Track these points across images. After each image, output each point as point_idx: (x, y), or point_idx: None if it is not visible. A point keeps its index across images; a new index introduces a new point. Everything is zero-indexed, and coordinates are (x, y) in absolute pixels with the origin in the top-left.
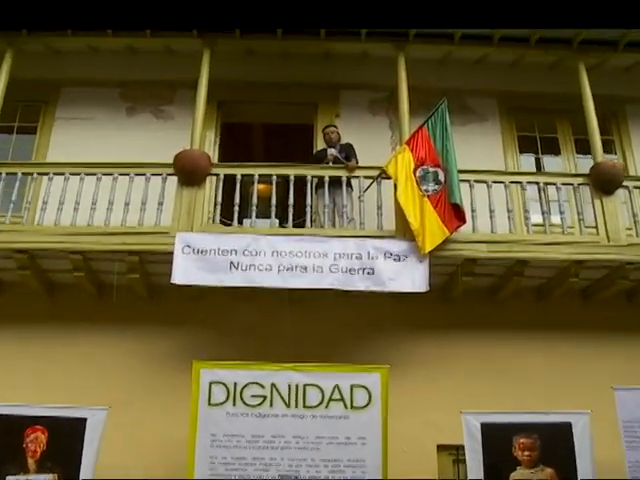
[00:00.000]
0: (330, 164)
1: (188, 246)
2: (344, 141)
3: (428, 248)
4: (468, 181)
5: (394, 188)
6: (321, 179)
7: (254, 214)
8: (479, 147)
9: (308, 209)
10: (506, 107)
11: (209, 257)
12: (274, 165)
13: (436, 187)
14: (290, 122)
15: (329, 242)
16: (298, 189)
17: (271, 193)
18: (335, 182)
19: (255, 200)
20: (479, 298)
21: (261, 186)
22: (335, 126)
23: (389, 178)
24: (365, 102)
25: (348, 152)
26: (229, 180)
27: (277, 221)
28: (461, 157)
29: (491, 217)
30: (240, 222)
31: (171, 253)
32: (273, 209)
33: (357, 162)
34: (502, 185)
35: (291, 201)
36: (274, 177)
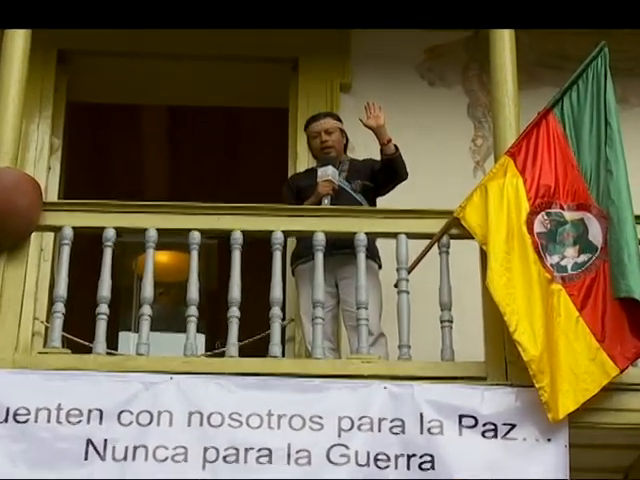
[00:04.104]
0: (326, 204)
1: None
2: (361, 153)
3: (567, 408)
4: None
5: (480, 261)
6: (305, 241)
7: (146, 324)
8: None
9: (275, 311)
10: None
11: (35, 430)
12: (194, 207)
13: (584, 260)
14: (234, 104)
15: (326, 391)
16: (251, 264)
17: (188, 274)
18: (339, 247)
19: (149, 291)
20: None
21: (163, 256)
22: (336, 117)
23: (468, 237)
24: (411, 55)
25: (371, 175)
26: (86, 242)
27: (202, 340)
28: None
29: None
30: (112, 344)
31: None
32: (192, 312)
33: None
34: None
35: (235, 294)
36: (195, 236)
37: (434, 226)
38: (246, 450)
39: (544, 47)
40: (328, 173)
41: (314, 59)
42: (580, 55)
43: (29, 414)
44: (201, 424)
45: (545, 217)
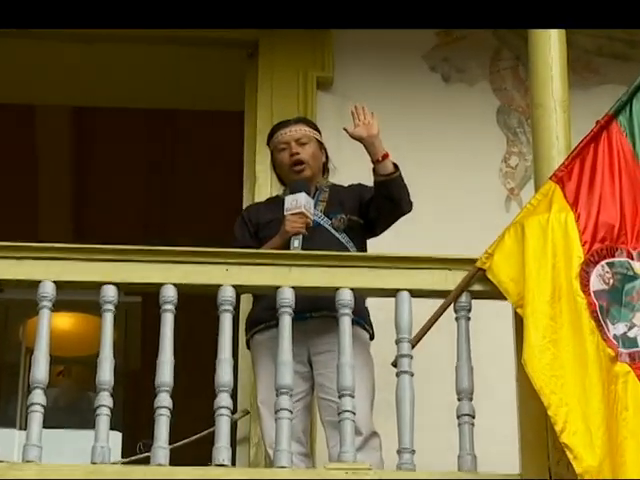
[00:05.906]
0: (296, 247)
1: None
2: (346, 176)
3: None
4: None
5: (514, 330)
6: (266, 300)
7: (37, 418)
8: None
9: (222, 400)
10: None
11: None
12: (107, 252)
13: None
14: (167, 106)
15: None
16: (188, 332)
17: (99, 346)
18: (314, 308)
19: (42, 371)
20: None
21: (64, 320)
22: (311, 124)
23: (497, 297)
24: (418, 39)
25: (359, 206)
26: None
27: (118, 440)
28: None
29: None
30: None
31: None
32: (104, 400)
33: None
34: None
35: (165, 375)
36: (109, 292)
37: (449, 280)
38: None
39: (605, 30)
40: (300, 203)
41: (280, 43)
42: None
43: None
44: None
45: (606, 269)
